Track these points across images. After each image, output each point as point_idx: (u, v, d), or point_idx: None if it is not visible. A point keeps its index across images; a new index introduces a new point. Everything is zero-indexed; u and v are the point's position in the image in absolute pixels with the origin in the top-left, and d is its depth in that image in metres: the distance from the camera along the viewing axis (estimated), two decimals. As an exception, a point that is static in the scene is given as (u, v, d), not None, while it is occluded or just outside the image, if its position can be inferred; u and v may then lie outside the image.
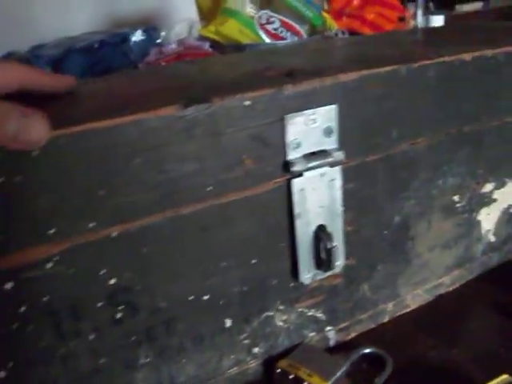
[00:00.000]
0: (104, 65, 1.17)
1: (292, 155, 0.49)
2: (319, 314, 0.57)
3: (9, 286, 0.41)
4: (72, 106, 0.47)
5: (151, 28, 1.19)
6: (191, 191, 0.45)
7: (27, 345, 0.44)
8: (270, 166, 0.48)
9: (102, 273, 0.44)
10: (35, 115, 0.37)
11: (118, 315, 0.46)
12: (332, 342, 0.60)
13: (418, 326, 0.64)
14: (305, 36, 1.11)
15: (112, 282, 0.45)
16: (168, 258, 0.47)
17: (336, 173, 0.52)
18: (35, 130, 0.36)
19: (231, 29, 1.08)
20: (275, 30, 1.10)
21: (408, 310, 0.66)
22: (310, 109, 0.49)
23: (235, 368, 0.55)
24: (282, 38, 1.11)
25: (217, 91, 0.46)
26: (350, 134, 0.52)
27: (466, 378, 0.55)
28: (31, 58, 1.20)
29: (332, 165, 0.51)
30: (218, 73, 0.58)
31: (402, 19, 1.16)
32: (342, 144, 0.52)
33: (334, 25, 1.14)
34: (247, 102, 0.46)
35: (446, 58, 0.56)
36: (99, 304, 0.45)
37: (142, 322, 0.48)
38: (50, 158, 0.39)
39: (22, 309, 0.43)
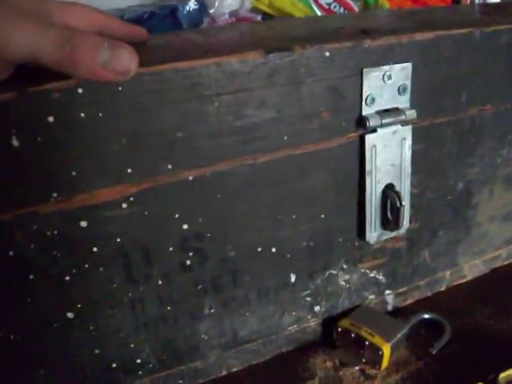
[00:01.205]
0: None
1: (366, 110, 0.49)
2: (380, 277, 0.57)
3: (83, 224, 0.42)
4: (149, 52, 0.47)
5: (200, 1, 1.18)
6: (268, 139, 0.45)
7: (97, 286, 0.44)
8: (344, 119, 0.48)
9: (175, 217, 0.45)
10: (126, 46, 0.37)
11: (188, 262, 0.47)
12: (390, 307, 0.60)
13: (473, 296, 0.64)
14: (357, 11, 1.10)
15: (185, 226, 0.45)
16: (241, 206, 0.47)
17: (407, 132, 0.51)
18: (125, 59, 0.36)
19: (284, 2, 1.08)
20: (328, 4, 1.09)
21: (464, 280, 0.65)
22: (386, 65, 0.48)
23: (295, 326, 0.55)
24: (335, 13, 1.10)
25: (298, 41, 0.45)
26: (422, 93, 0.52)
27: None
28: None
29: (403, 123, 0.51)
30: (288, 30, 0.58)
31: (456, 1, 1.14)
32: (414, 103, 0.51)
33: (386, 3, 1.13)
34: (327, 53, 0.46)
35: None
36: (170, 249, 0.46)
37: (210, 270, 0.48)
38: (132, 94, 0.39)
39: (95, 249, 0.43)
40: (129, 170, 0.41)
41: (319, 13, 1.07)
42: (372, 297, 0.58)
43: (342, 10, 1.09)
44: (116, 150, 0.41)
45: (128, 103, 0.40)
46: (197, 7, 1.08)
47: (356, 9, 1.09)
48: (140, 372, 0.49)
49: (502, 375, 0.49)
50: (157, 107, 0.41)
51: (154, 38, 0.53)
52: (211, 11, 1.07)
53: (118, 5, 1.36)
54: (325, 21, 0.68)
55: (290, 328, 0.54)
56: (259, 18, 1.08)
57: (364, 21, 0.64)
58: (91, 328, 0.46)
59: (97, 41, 0.36)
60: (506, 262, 0.68)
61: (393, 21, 0.64)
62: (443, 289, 0.64)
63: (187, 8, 1.10)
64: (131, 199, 0.42)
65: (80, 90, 0.38)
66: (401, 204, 0.52)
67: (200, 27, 1.13)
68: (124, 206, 0.42)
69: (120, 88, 0.39)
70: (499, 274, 0.67)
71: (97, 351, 0.47)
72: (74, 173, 0.39)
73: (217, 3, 1.06)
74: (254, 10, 1.10)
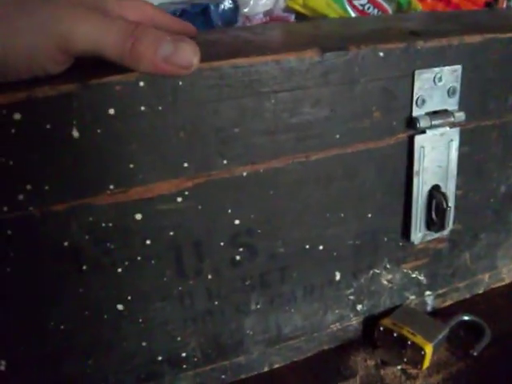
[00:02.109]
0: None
1: (417, 112, 0.49)
2: (421, 277, 0.57)
3: (138, 217, 0.42)
4: (203, 48, 0.48)
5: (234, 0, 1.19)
6: (321, 138, 0.46)
7: (148, 279, 0.45)
8: (395, 120, 0.49)
9: (228, 212, 0.45)
10: (188, 41, 0.37)
11: (237, 257, 0.47)
12: (429, 308, 0.60)
13: (511, 299, 0.64)
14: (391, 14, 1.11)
15: (236, 222, 0.46)
16: (292, 203, 0.47)
17: (455, 134, 0.52)
18: (187, 53, 0.37)
19: (319, 2, 1.08)
20: (362, 5, 1.10)
21: (502, 283, 0.65)
22: (437, 67, 0.49)
23: (337, 324, 0.55)
24: (369, 14, 1.10)
25: (352, 41, 0.46)
26: (470, 96, 0.52)
27: None
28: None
29: (452, 125, 0.51)
30: (335, 30, 0.58)
31: (488, 5, 1.14)
32: (462, 105, 0.51)
33: (418, 6, 1.13)
34: (381, 54, 0.46)
35: None
36: (222, 244, 0.46)
37: (259, 266, 0.49)
38: (192, 89, 0.40)
39: (148, 242, 0.44)
40: (185, 165, 0.42)
41: (353, 14, 1.08)
42: (413, 297, 0.58)
43: (375, 11, 1.09)
44: (174, 144, 0.41)
45: (187, 98, 0.40)
46: (231, 6, 1.09)
47: (390, 10, 1.09)
48: (184, 366, 0.50)
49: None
50: (215, 102, 0.41)
51: (201, 34, 0.54)
52: (245, 10, 1.07)
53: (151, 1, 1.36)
54: (367, 22, 0.68)
55: (333, 326, 0.55)
56: (292, 17, 1.09)
57: (407, 22, 0.64)
58: (140, 320, 0.46)
59: (159, 35, 0.37)
60: (544, 267, 0.68)
61: (436, 23, 0.64)
62: (481, 291, 0.64)
63: (221, 7, 1.10)
64: (186, 193, 0.43)
65: (141, 84, 0.38)
66: (447, 205, 0.52)
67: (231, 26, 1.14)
68: (179, 199, 0.43)
69: (180, 82, 0.40)
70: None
71: (144, 343, 0.47)
72: (131, 165, 0.40)
73: (251, 2, 1.06)
74: (288, 9, 1.10)
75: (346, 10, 1.06)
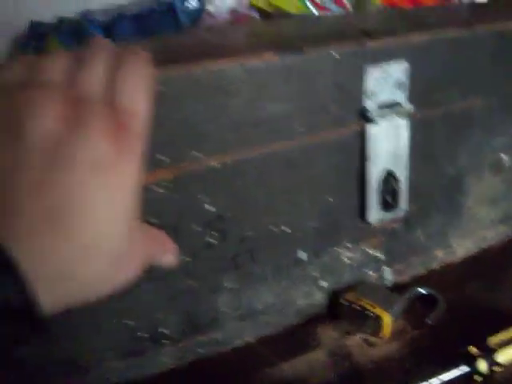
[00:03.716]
0: (153, 31, 1.21)
1: (368, 104, 0.54)
2: (379, 254, 0.63)
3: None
4: (178, 52, 0.52)
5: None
6: (283, 130, 0.51)
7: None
8: (349, 112, 0.54)
9: (202, 200, 0.50)
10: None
11: (211, 240, 0.52)
12: (388, 283, 0.66)
13: (464, 273, 0.70)
14: (350, 9, 1.16)
15: (209, 208, 0.51)
16: (258, 190, 0.53)
17: (404, 123, 0.57)
18: None
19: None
20: (322, 1, 1.15)
21: (455, 259, 0.71)
22: (385, 63, 0.54)
23: (304, 300, 0.61)
24: (328, 10, 1.15)
25: (308, 43, 0.51)
26: (417, 89, 0.57)
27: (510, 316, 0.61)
28: (84, 22, 1.24)
29: (401, 115, 0.57)
30: (294, 30, 0.64)
31: (446, -1, 1.20)
32: (411, 98, 0.57)
33: (377, 0, 1.19)
34: (334, 53, 0.51)
35: (503, 26, 0.61)
36: (197, 228, 0.51)
37: (230, 248, 0.54)
38: (170, 90, 0.45)
39: (131, 228, 0.48)
40: (163, 158, 0.47)
41: (314, 9, 1.13)
42: (372, 273, 0.64)
43: (334, 6, 1.14)
44: (152, 140, 0.46)
45: (166, 99, 0.45)
46: (197, 4, 1.13)
47: (348, 6, 1.14)
48: (164, 341, 0.55)
49: (491, 338, 0.55)
50: (190, 102, 0.46)
51: (171, 38, 0.59)
52: (210, 8, 1.12)
53: (118, 1, 1.39)
54: (324, 21, 0.73)
55: (300, 302, 0.60)
56: (257, 15, 1.13)
57: (362, 22, 0.69)
58: (123, 299, 0.51)
59: None
60: (493, 242, 0.74)
61: (388, 21, 0.69)
62: (437, 267, 0.69)
63: (187, 5, 1.14)
64: (164, 184, 0.48)
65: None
66: (399, 187, 0.57)
67: (196, 24, 1.18)
68: (160, 190, 0.48)
69: (160, 86, 0.44)
70: (487, 252, 0.73)
71: (127, 321, 0.52)
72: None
73: (216, 1, 1.11)
74: (252, 7, 1.15)
75: (306, 6, 1.11)
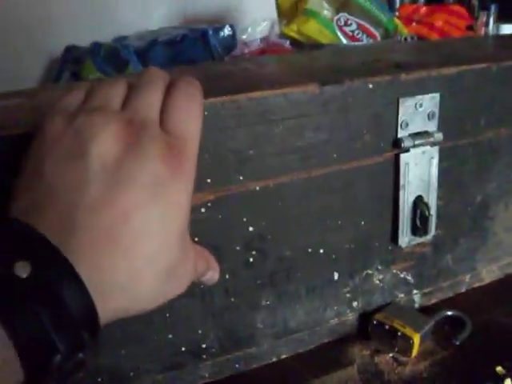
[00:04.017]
0: (186, 57, 1.26)
1: (401, 133, 0.58)
2: (409, 278, 0.66)
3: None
4: (221, 81, 0.56)
5: (232, 25, 1.27)
6: (322, 157, 0.54)
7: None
8: (383, 140, 0.57)
9: (243, 220, 0.53)
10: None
11: (251, 259, 0.55)
12: (417, 305, 0.68)
13: (491, 297, 0.72)
14: (379, 39, 1.19)
15: (250, 229, 0.54)
16: (296, 213, 0.56)
17: (435, 152, 0.60)
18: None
19: (312, 28, 1.17)
20: (352, 31, 1.18)
21: (482, 283, 0.73)
22: (418, 95, 0.57)
23: (336, 319, 0.63)
24: (358, 40, 1.19)
25: (346, 75, 0.54)
26: (447, 119, 0.60)
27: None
28: (120, 47, 1.29)
29: (432, 144, 0.60)
30: (331, 61, 0.67)
31: (469, 28, 1.23)
32: (441, 127, 0.60)
33: (404, 30, 1.22)
34: (370, 85, 0.54)
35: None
36: (237, 248, 0.54)
37: (269, 267, 0.57)
38: (215, 118, 0.49)
39: (176, 247, 0.51)
40: (208, 180, 0.50)
41: (344, 39, 1.16)
42: (402, 295, 0.66)
43: (364, 36, 1.18)
44: (199, 163, 0.49)
45: (211, 125, 0.49)
46: (231, 33, 1.17)
47: (378, 35, 1.18)
48: (204, 356, 0.58)
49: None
50: (233, 129, 0.50)
51: (213, 66, 0.62)
52: (244, 37, 1.16)
53: (150, 26, 1.44)
54: (357, 52, 0.77)
55: (332, 321, 0.63)
56: (287, 43, 1.17)
57: (392, 54, 0.73)
58: (167, 315, 0.54)
59: None
60: (518, 269, 0.76)
61: (417, 54, 0.73)
62: (464, 290, 0.72)
63: (221, 33, 1.18)
64: (209, 204, 0.51)
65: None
66: (429, 213, 0.60)
67: (230, 52, 1.22)
68: (202, 210, 0.51)
69: (206, 113, 0.48)
70: (512, 278, 0.76)
71: (170, 336, 0.55)
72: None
73: (249, 29, 1.15)
74: (283, 35, 1.19)
75: (337, 36, 1.15)
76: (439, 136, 0.59)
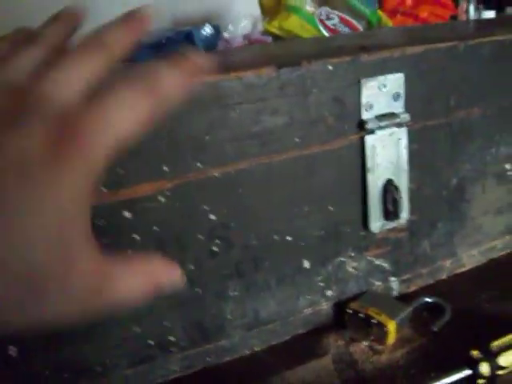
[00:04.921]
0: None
1: (365, 115, 0.56)
2: (385, 264, 0.64)
3: (127, 214, 0.50)
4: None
5: (216, 24, 1.26)
6: (282, 142, 0.53)
7: (138, 272, 0.52)
8: (347, 123, 0.56)
9: (204, 208, 0.52)
10: None
11: (215, 248, 0.54)
12: (395, 293, 0.67)
13: (472, 283, 0.70)
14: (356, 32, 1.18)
15: (212, 217, 0.53)
16: (259, 199, 0.54)
17: (402, 133, 0.59)
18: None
19: (293, 24, 1.16)
20: (334, 25, 1.17)
21: (464, 269, 0.72)
22: (381, 75, 0.56)
23: (310, 308, 0.62)
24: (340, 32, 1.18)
25: (304, 58, 0.53)
26: (414, 99, 0.59)
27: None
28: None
29: (399, 126, 0.59)
30: (296, 49, 0.66)
31: (454, 17, 1.22)
32: (408, 108, 0.59)
33: (389, 22, 1.21)
34: (330, 67, 0.53)
35: (499, 37, 0.62)
36: (200, 237, 0.53)
37: (234, 257, 0.56)
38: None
39: (136, 236, 0.51)
40: (165, 168, 0.49)
41: (326, 33, 1.15)
42: (378, 283, 0.65)
43: (347, 29, 1.17)
44: (155, 151, 0.48)
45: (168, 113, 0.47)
46: (212, 32, 1.16)
47: (360, 28, 1.17)
48: (172, 349, 0.56)
49: (494, 343, 0.56)
50: (188, 114, 0.49)
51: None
52: (225, 34, 1.15)
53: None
54: (330, 40, 0.76)
55: (306, 310, 0.62)
56: (270, 39, 1.17)
57: (365, 39, 0.72)
58: (131, 307, 0.53)
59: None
60: (502, 253, 0.74)
61: (390, 37, 0.72)
62: (445, 277, 0.70)
63: (203, 32, 1.18)
64: (167, 193, 0.50)
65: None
66: (400, 196, 0.59)
67: (215, 50, 1.22)
68: (161, 198, 0.50)
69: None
70: (496, 263, 0.74)
71: (136, 328, 0.54)
72: (119, 170, 0.47)
73: (230, 27, 1.14)
74: (266, 32, 1.18)
75: (319, 30, 1.14)
76: (405, 117, 0.58)
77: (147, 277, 0.34)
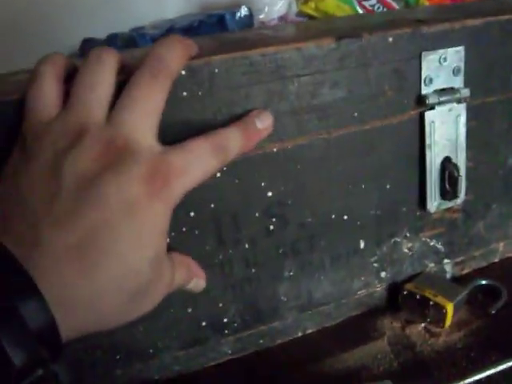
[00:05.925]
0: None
1: (425, 90, 0.54)
2: (439, 246, 0.62)
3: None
4: (235, 43, 0.53)
5: (249, 7, 1.24)
6: (341, 116, 0.51)
7: (192, 249, 0.50)
8: (406, 98, 0.54)
9: (261, 185, 0.51)
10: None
11: (271, 227, 0.53)
12: (448, 275, 0.65)
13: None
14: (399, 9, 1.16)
15: (269, 194, 0.51)
16: (317, 176, 0.53)
17: (462, 109, 0.57)
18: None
19: (330, 5, 1.14)
20: (372, 6, 1.15)
21: (517, 252, 0.70)
22: (441, 49, 0.54)
23: (364, 290, 0.60)
24: (380, 13, 1.16)
25: (364, 30, 0.51)
26: (474, 74, 0.57)
27: None
28: (136, 36, 1.27)
29: (459, 101, 0.56)
30: (348, 23, 0.64)
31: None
32: (467, 83, 0.57)
33: (426, 2, 1.18)
34: (390, 39, 0.51)
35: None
36: (256, 214, 0.52)
37: (290, 235, 0.54)
38: (226, 76, 0.46)
39: (192, 213, 0.49)
40: (222, 144, 0.47)
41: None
42: (432, 265, 0.63)
43: (385, 10, 1.14)
44: (211, 125, 0.47)
45: (222, 83, 0.46)
46: (247, 13, 1.15)
47: (398, 8, 1.14)
48: (226, 331, 0.55)
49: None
50: (246, 87, 0.47)
51: (229, 34, 0.60)
52: (261, 17, 1.13)
53: (166, 15, 1.43)
54: (376, 15, 0.74)
55: (359, 292, 0.60)
56: (305, 21, 1.15)
57: (414, 14, 0.70)
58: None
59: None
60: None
61: (441, 12, 0.69)
62: (497, 260, 0.68)
63: (237, 15, 1.16)
64: (224, 169, 0.48)
65: (183, 72, 0.44)
66: (458, 174, 0.57)
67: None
68: (218, 174, 0.49)
69: (216, 70, 0.45)
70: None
71: (189, 310, 0.53)
72: (176, 146, 0.46)
73: (266, 8, 1.12)
74: (301, 13, 1.16)
75: (356, 11, 1.12)
76: (466, 92, 0.56)
77: (189, 272, 0.44)
